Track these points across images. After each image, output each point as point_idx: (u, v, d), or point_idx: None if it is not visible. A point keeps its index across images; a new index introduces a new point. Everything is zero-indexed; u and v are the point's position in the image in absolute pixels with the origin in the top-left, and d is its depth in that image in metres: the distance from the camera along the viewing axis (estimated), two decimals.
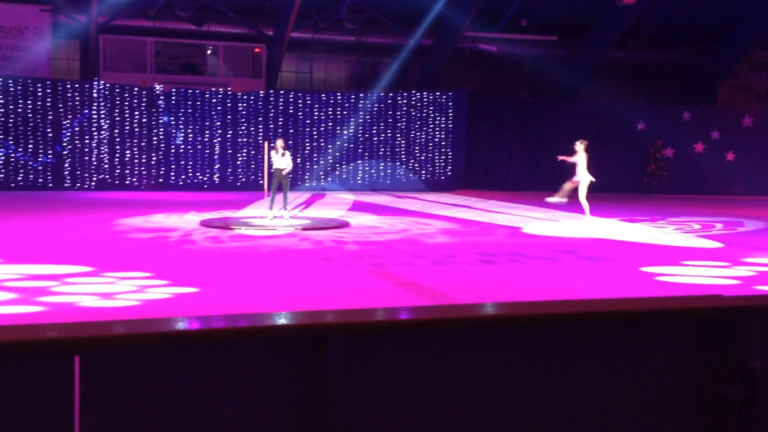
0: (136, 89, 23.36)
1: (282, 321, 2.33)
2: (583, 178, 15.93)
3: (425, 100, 25.82)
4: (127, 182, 23.29)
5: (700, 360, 2.67)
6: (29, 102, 22.34)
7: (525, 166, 26.90)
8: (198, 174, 24.07)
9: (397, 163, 25.73)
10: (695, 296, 2.82)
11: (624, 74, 29.95)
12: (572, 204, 16.43)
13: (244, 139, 24.36)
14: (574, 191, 16.15)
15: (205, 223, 14.73)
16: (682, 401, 2.69)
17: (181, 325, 2.23)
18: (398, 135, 25.70)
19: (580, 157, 16.05)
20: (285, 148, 15.56)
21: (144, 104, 23.35)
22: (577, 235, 14.17)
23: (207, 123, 24.00)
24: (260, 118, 24.44)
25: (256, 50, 27.34)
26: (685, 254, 11.88)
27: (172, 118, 23.71)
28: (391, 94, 25.78)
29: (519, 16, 27.38)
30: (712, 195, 26.28)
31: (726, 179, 27.20)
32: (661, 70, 30.39)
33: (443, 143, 26.02)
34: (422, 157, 25.91)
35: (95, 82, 23.01)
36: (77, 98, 22.71)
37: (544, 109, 27.06)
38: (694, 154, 27.10)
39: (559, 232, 14.69)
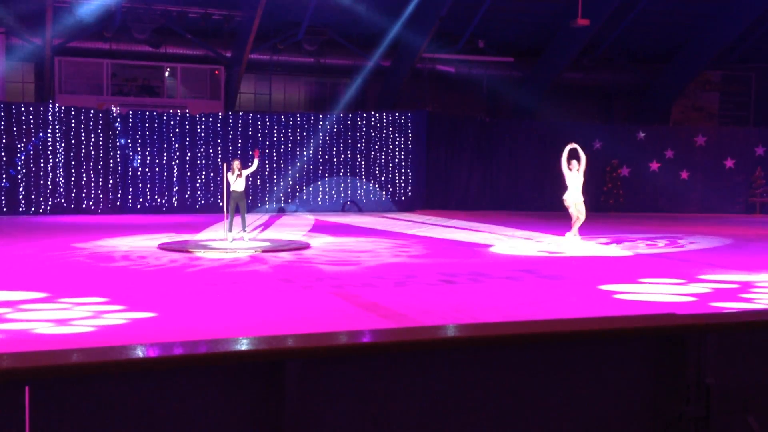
0: (92, 112, 23.10)
1: (240, 346, 2.30)
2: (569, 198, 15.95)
3: (384, 120, 25.92)
4: (84, 206, 22.96)
5: (656, 378, 2.70)
6: None
7: (484, 186, 27.08)
8: (156, 197, 23.83)
9: (357, 184, 25.77)
10: (649, 315, 2.85)
11: (579, 94, 30.43)
12: (540, 223, 16.55)
13: (203, 161, 24.21)
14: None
15: (164, 247, 14.56)
16: (638, 419, 2.71)
17: (136, 353, 2.19)
18: (358, 156, 25.76)
19: (570, 178, 16.00)
20: (241, 168, 15.41)
21: (100, 127, 23.09)
22: (535, 254, 14.28)
23: (165, 145, 23.80)
24: (219, 140, 24.32)
25: (215, 72, 27.24)
26: (642, 271, 12.03)
27: (129, 141, 23.49)
28: (350, 115, 25.85)
29: (476, 37, 27.70)
30: (667, 213, 26.73)
31: (681, 197, 27.67)
32: (615, 89, 30.93)
33: (403, 163, 26.12)
34: (382, 178, 25.98)
35: (50, 105, 22.72)
36: (32, 121, 22.38)
37: (502, 128, 27.30)
38: (649, 172, 27.52)
39: (518, 251, 14.79)
